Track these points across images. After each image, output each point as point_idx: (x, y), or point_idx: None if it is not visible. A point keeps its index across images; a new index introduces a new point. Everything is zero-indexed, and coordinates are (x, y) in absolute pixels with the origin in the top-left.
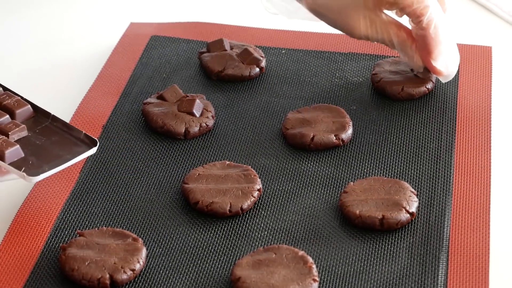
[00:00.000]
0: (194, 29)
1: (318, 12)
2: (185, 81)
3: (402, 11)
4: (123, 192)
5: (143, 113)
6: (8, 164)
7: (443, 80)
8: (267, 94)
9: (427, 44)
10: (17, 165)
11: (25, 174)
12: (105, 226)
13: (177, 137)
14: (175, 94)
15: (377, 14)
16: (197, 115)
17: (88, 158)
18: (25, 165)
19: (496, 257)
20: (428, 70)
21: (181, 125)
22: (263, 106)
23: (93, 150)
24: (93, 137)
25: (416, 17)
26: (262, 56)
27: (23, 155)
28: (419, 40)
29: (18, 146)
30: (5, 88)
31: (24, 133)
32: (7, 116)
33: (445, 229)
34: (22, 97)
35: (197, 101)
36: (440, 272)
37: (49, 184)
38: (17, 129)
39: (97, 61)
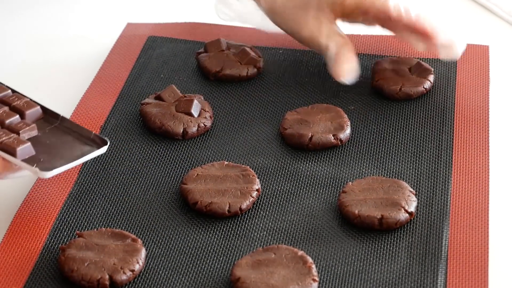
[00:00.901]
0: (192, 29)
1: (274, 11)
2: (182, 82)
3: (366, 14)
4: (122, 193)
5: (141, 113)
6: (20, 161)
7: (455, 54)
8: (265, 94)
9: (421, 30)
10: (28, 162)
11: (37, 170)
12: (104, 227)
13: (175, 138)
14: (173, 94)
15: (329, 19)
16: (195, 116)
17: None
18: (37, 162)
19: (495, 256)
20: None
21: (179, 126)
22: (261, 106)
23: (104, 149)
24: (103, 137)
25: (385, 14)
26: (259, 56)
27: (34, 153)
28: (413, 36)
29: (29, 143)
30: (13, 91)
31: (35, 132)
32: (17, 116)
33: (444, 228)
34: (31, 99)
35: (195, 101)
36: (439, 271)
37: (48, 185)
38: (27, 128)
39: (94, 61)
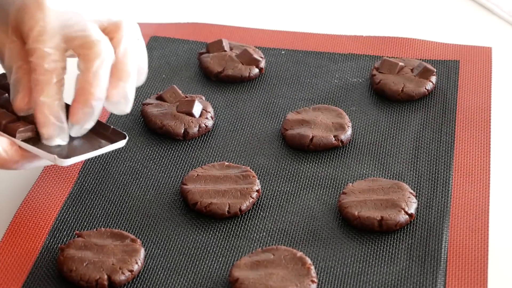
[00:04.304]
0: (194, 30)
1: None
2: (184, 82)
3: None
4: (122, 193)
5: (142, 114)
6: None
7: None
8: (267, 94)
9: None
10: (47, 150)
11: (56, 157)
12: (103, 227)
13: (176, 138)
14: (174, 95)
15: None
16: (196, 116)
17: (87, 159)
18: (55, 151)
19: (495, 258)
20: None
21: (180, 126)
22: (262, 107)
23: (123, 143)
24: (122, 131)
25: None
26: (261, 57)
27: None
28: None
29: None
30: None
31: None
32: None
33: (444, 230)
34: None
35: (196, 101)
36: (439, 273)
37: (48, 185)
38: None
39: None
